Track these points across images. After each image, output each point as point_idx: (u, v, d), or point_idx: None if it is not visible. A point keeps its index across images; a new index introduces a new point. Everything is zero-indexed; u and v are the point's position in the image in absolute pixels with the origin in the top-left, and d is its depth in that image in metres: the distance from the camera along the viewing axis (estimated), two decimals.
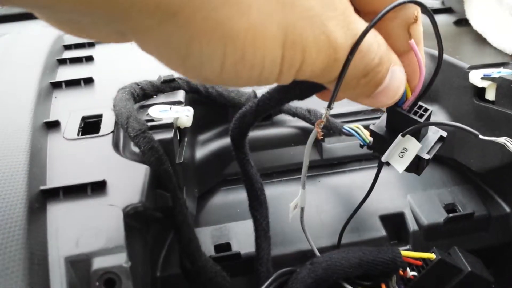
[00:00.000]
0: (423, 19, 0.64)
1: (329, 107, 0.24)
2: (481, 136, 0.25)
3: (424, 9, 0.23)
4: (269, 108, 0.31)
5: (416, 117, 0.28)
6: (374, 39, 0.23)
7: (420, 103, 0.28)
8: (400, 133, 0.29)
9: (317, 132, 0.27)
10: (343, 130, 0.39)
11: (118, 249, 0.25)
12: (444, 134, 0.30)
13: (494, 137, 0.24)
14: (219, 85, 0.22)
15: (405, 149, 0.29)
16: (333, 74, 0.22)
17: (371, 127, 0.32)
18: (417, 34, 0.25)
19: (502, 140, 0.24)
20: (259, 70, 0.20)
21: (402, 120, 0.28)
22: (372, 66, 0.23)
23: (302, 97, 0.29)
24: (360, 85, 0.23)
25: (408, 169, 0.30)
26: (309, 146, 0.31)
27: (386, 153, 0.30)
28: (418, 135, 0.29)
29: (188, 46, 0.19)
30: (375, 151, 0.32)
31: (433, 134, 0.30)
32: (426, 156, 0.29)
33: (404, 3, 0.23)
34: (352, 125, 0.36)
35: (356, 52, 0.21)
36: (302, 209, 0.37)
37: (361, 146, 0.34)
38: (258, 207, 0.36)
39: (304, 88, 0.28)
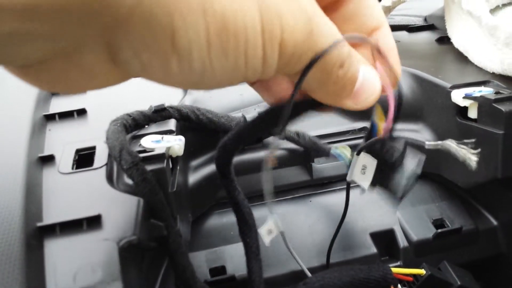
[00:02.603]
0: (405, 37, 0.65)
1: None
2: (427, 143, 0.26)
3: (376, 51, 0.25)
4: (251, 135, 0.32)
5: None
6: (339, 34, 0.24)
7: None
8: (355, 152, 0.31)
9: (268, 161, 0.29)
10: (331, 152, 0.40)
11: (115, 283, 0.25)
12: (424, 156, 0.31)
13: (440, 142, 0.25)
14: (209, 82, 0.21)
15: (364, 166, 0.31)
16: (313, 50, 0.22)
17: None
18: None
19: (447, 143, 0.25)
20: (243, 41, 0.20)
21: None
22: (345, 55, 0.24)
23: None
24: (339, 78, 0.24)
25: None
26: (265, 174, 0.32)
27: (349, 173, 0.32)
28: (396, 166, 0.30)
29: (172, 23, 0.19)
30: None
31: (411, 159, 0.31)
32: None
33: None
34: (339, 146, 0.38)
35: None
36: (282, 233, 0.38)
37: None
38: (247, 232, 0.37)
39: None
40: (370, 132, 0.30)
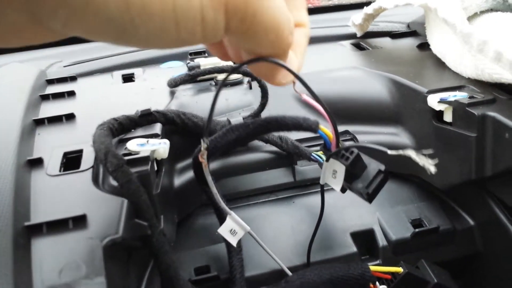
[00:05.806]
0: (388, 43, 0.67)
1: None
2: (389, 152, 0.28)
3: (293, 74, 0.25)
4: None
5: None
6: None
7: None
8: (324, 159, 0.34)
9: (203, 163, 0.32)
10: (311, 156, 0.42)
11: (98, 278, 0.27)
12: (383, 167, 0.34)
13: (401, 151, 0.27)
14: (136, 40, 0.19)
15: (335, 171, 0.34)
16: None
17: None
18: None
19: (408, 152, 0.27)
20: (170, 2, 0.17)
21: None
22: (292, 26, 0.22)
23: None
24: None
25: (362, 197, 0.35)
26: (208, 176, 0.34)
27: (321, 177, 0.35)
28: (357, 171, 0.34)
29: None
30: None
31: (373, 168, 0.34)
32: (365, 191, 0.33)
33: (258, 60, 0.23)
34: (319, 152, 0.41)
35: None
36: (249, 233, 0.39)
37: None
38: None
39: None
40: (325, 142, 0.34)
